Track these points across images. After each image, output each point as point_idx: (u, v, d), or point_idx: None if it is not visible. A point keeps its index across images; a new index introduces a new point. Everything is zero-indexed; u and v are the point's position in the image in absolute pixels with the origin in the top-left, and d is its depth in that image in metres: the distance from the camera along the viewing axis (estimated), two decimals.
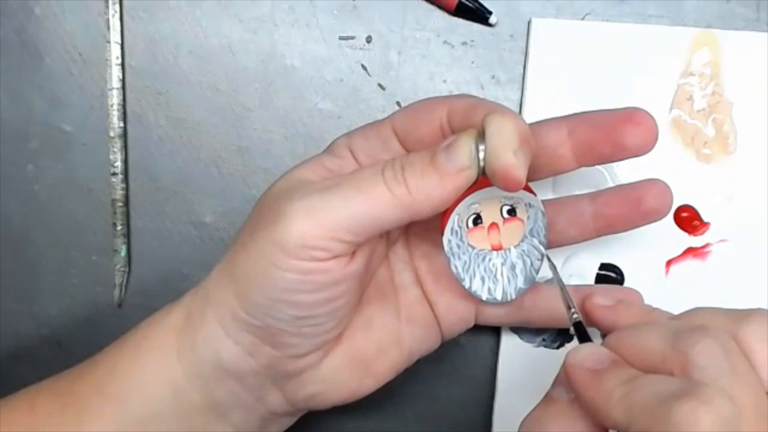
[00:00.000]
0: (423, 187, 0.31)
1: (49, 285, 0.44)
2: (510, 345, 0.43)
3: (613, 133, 0.35)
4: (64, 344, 0.44)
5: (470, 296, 0.37)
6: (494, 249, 0.36)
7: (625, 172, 0.42)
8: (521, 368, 0.43)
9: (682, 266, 0.42)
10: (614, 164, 0.42)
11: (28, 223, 0.44)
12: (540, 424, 0.31)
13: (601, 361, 0.29)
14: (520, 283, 0.37)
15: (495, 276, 0.36)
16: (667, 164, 0.42)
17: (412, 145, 0.35)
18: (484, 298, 0.36)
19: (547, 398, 0.32)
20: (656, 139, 0.35)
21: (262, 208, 0.34)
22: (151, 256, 0.44)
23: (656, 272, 0.42)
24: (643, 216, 0.37)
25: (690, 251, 0.42)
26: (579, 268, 0.42)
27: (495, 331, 0.43)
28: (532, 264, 0.36)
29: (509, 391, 0.43)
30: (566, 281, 0.42)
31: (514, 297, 0.37)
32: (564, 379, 0.31)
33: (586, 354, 0.30)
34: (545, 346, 0.43)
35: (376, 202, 0.31)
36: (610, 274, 0.42)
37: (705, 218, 0.42)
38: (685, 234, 0.42)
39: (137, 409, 0.35)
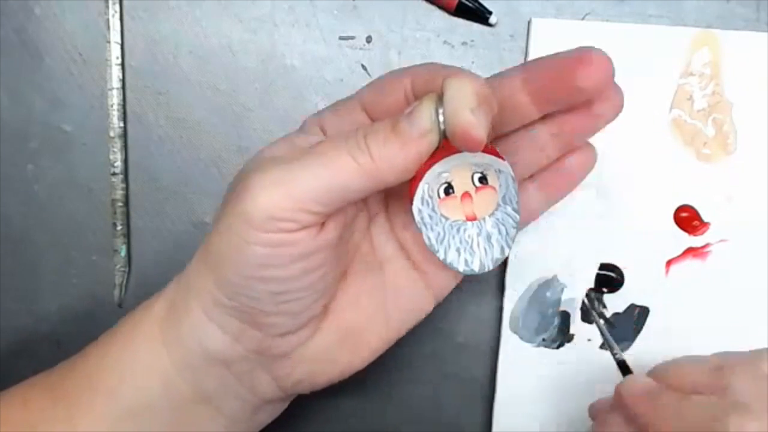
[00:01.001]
0: (386, 154, 0.31)
1: (49, 285, 0.44)
2: (510, 345, 0.43)
3: (567, 75, 0.34)
4: (63, 344, 0.44)
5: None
6: (468, 219, 0.36)
7: (618, 177, 0.42)
8: (521, 368, 0.43)
9: (682, 266, 0.42)
10: (612, 163, 0.42)
11: (28, 223, 0.44)
12: None
13: (653, 388, 0.35)
14: (497, 253, 0.36)
15: (471, 247, 0.36)
16: (667, 164, 0.42)
17: (379, 116, 0.35)
18: (461, 270, 0.36)
19: (600, 422, 0.38)
20: (611, 77, 0.33)
21: (231, 188, 0.34)
22: (151, 256, 0.44)
23: (656, 272, 0.42)
24: (580, 92, 0.34)
25: (690, 251, 0.42)
26: (579, 268, 0.42)
27: (495, 331, 0.43)
28: (507, 233, 0.36)
29: (509, 391, 0.43)
30: (566, 281, 0.42)
31: (491, 267, 0.36)
32: (618, 406, 0.36)
33: (639, 382, 0.36)
34: (545, 346, 0.43)
35: (341, 171, 0.31)
36: (610, 274, 0.42)
37: (705, 218, 0.42)
38: (685, 234, 0.42)
39: (127, 401, 0.35)
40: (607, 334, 0.40)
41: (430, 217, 0.35)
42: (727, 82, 0.42)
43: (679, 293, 0.42)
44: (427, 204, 0.35)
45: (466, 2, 0.42)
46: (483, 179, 0.35)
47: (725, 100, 0.42)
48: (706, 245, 0.42)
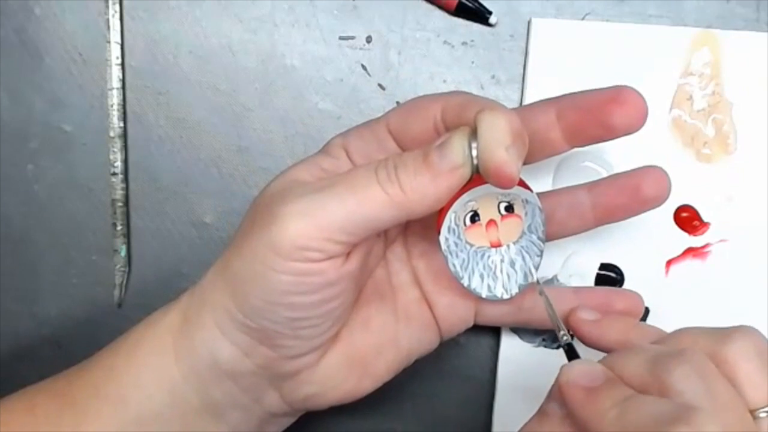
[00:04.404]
0: (417, 187, 0.31)
1: (49, 285, 0.44)
2: (510, 345, 0.43)
3: (601, 114, 0.34)
4: (64, 344, 0.44)
5: (470, 295, 0.37)
6: (493, 246, 0.36)
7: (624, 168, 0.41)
8: (521, 368, 0.43)
9: (682, 266, 0.42)
10: (613, 162, 0.42)
11: (28, 223, 0.44)
12: None
13: (596, 379, 0.30)
14: (520, 279, 0.36)
15: (494, 273, 0.36)
16: (667, 164, 0.41)
17: (406, 143, 0.35)
18: (483, 296, 0.36)
19: (541, 412, 0.32)
20: (645, 115, 0.34)
21: (256, 210, 0.34)
22: (151, 256, 0.44)
23: (656, 272, 0.42)
24: (642, 204, 0.37)
25: (690, 251, 0.42)
26: (579, 268, 0.42)
27: (495, 331, 0.43)
28: (531, 260, 0.36)
29: (509, 391, 0.43)
30: (566, 281, 0.42)
31: (514, 293, 0.36)
32: (557, 395, 0.31)
33: (580, 371, 0.30)
34: (545, 346, 0.43)
35: (370, 202, 0.31)
36: (610, 274, 0.42)
37: (705, 218, 0.42)
38: (685, 234, 0.42)
39: (135, 409, 0.35)
40: (554, 310, 0.35)
41: (456, 244, 0.35)
42: (727, 82, 0.42)
43: (679, 293, 0.42)
44: (453, 232, 0.35)
45: (466, 2, 0.42)
46: (509, 208, 0.36)
47: (725, 100, 0.42)
48: (706, 245, 0.42)
